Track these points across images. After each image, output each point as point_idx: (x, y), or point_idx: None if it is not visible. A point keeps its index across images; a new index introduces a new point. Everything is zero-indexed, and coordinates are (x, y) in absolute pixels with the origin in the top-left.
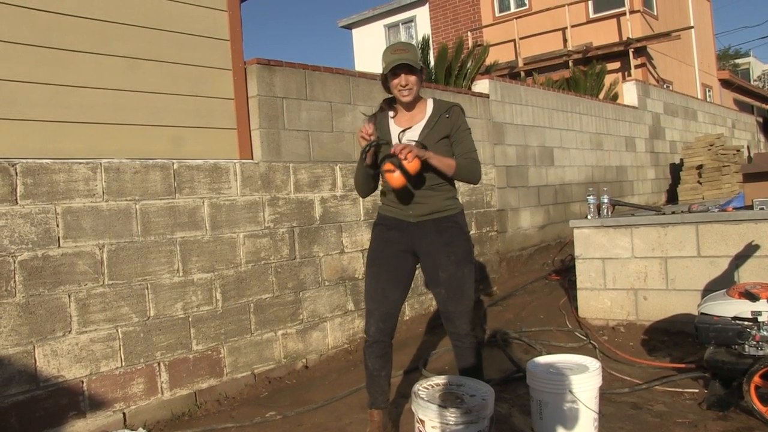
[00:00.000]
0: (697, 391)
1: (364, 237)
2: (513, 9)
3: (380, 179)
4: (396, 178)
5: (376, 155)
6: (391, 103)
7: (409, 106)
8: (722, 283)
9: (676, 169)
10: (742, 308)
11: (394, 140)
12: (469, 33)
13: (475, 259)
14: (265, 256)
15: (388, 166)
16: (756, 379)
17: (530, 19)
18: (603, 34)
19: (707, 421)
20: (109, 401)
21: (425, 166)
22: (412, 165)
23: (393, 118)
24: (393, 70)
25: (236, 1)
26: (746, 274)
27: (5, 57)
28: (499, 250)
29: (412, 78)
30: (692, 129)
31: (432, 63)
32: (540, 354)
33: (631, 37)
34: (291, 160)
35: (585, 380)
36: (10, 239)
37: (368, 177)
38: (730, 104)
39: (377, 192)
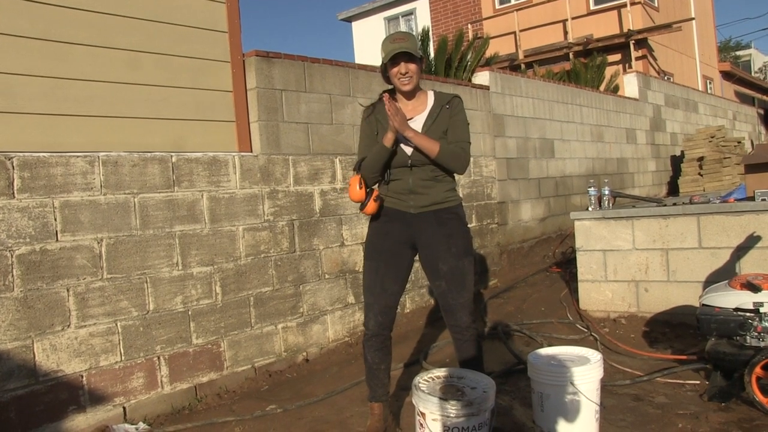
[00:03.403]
0: (698, 382)
1: (364, 230)
2: (513, 1)
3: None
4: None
5: (396, 140)
6: (390, 95)
7: (410, 97)
8: (724, 275)
9: (677, 161)
10: (744, 299)
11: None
12: (469, 25)
13: (475, 251)
14: (265, 250)
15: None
16: (757, 370)
17: (531, 11)
18: (603, 26)
19: (708, 412)
20: (109, 395)
21: (426, 157)
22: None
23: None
24: (393, 59)
25: None
26: (748, 266)
27: (3, 49)
28: (499, 242)
29: (412, 66)
30: (693, 121)
31: (432, 55)
32: (541, 346)
33: (631, 28)
34: (290, 153)
35: (586, 372)
36: (8, 233)
37: (385, 161)
38: (731, 96)
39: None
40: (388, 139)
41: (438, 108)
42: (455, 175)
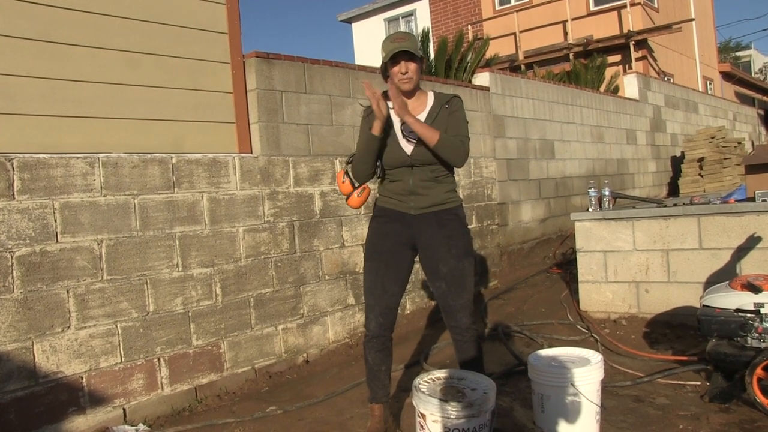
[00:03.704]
0: (699, 383)
1: (365, 231)
2: (513, 2)
3: (379, 161)
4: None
5: (388, 133)
6: (387, 95)
7: (409, 96)
8: (724, 276)
9: (677, 162)
10: (745, 300)
11: (397, 131)
12: (469, 26)
13: (475, 252)
14: (265, 251)
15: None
16: (758, 371)
17: (531, 12)
18: (604, 27)
19: (709, 413)
20: (109, 397)
21: (427, 154)
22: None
23: (393, 109)
24: (393, 58)
25: None
26: (748, 266)
27: (2, 50)
28: (500, 243)
29: (412, 66)
30: (693, 122)
31: (432, 56)
32: (541, 347)
33: (631, 29)
34: (290, 154)
35: (587, 373)
36: (8, 235)
37: (373, 151)
38: (731, 97)
39: (374, 187)
40: (376, 127)
41: (438, 108)
42: (455, 174)
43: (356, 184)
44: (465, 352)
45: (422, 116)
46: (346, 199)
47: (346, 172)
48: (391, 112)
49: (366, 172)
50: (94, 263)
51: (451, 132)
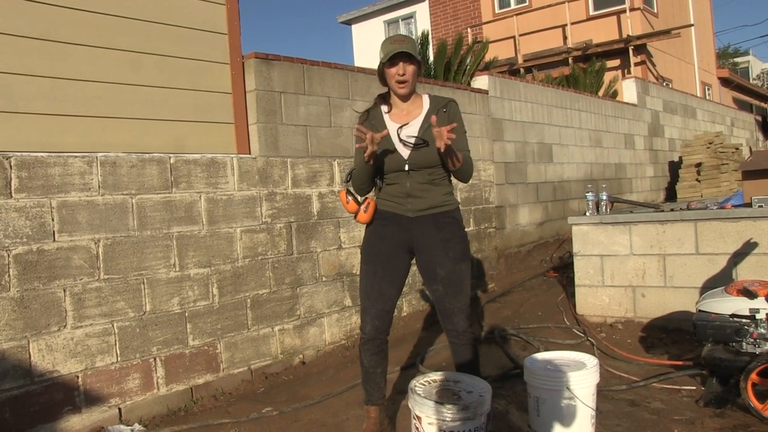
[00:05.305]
0: (694, 388)
1: (362, 233)
2: (513, 6)
3: (378, 174)
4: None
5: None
6: (385, 99)
7: (405, 100)
8: (720, 281)
9: (675, 167)
10: (740, 305)
11: (393, 136)
12: (468, 29)
13: (472, 255)
14: (263, 252)
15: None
16: (753, 376)
17: (530, 16)
18: (603, 32)
19: (704, 418)
20: (105, 396)
21: (424, 158)
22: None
23: (388, 113)
24: (391, 59)
25: None
26: (744, 272)
27: (2, 49)
28: (497, 246)
29: (410, 68)
30: (691, 127)
31: (431, 59)
32: (538, 351)
33: (631, 34)
34: (289, 155)
35: (582, 377)
36: (5, 233)
37: (371, 174)
38: (729, 102)
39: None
40: (368, 157)
41: (434, 112)
42: (451, 177)
43: (360, 200)
44: (461, 354)
45: (419, 120)
46: (354, 217)
47: (348, 191)
48: (386, 116)
49: (367, 189)
50: (91, 262)
51: (456, 147)
